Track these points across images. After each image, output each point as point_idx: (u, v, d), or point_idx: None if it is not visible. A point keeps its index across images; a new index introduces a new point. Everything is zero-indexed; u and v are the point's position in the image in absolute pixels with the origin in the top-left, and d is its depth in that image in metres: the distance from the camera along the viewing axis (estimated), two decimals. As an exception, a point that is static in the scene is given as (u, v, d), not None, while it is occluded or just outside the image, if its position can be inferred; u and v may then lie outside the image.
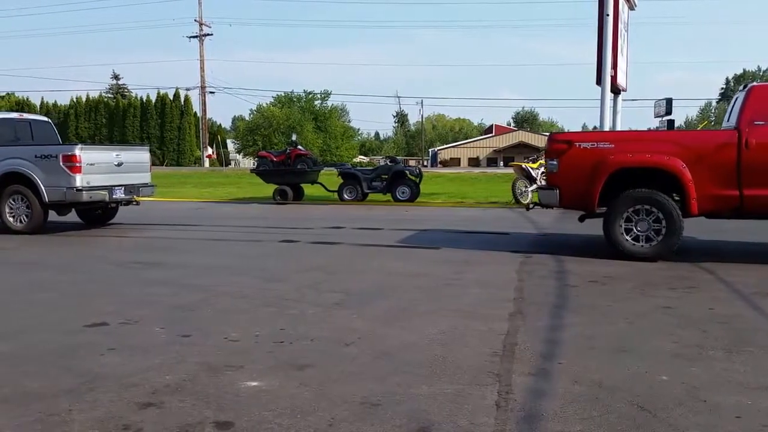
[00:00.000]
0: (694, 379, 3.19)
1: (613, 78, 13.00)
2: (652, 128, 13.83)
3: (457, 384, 3.12)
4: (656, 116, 12.53)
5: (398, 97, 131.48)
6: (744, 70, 79.29)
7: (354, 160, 57.65)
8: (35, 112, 41.35)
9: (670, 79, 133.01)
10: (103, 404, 2.89)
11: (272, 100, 59.72)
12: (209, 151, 52.52)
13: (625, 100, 15.53)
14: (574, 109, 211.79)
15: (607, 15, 12.58)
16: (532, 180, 14.03)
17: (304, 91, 59.98)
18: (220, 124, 75.77)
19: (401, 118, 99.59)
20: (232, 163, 64.16)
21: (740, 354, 3.59)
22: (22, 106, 55.54)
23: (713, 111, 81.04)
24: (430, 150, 74.18)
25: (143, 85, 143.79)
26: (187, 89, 58.24)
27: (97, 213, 10.77)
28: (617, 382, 3.14)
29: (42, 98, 61.62)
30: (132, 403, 2.91)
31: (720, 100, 76.37)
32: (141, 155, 10.71)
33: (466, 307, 4.74)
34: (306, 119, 56.04)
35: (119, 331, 4.17)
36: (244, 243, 8.71)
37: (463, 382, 3.16)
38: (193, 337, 3.98)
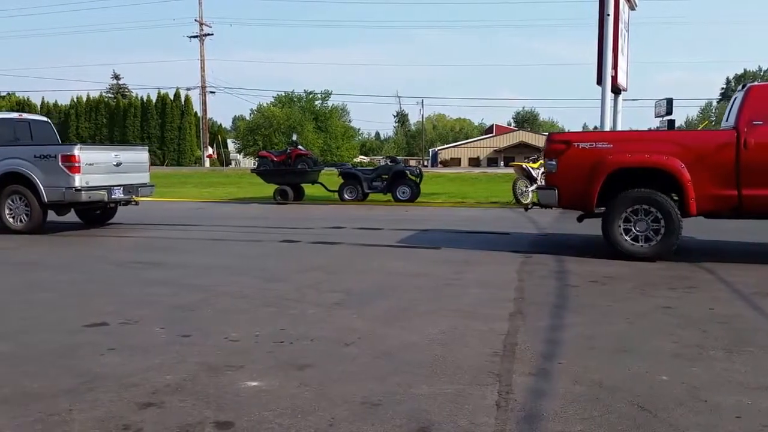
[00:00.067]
0: (695, 379, 3.19)
1: (614, 78, 13.01)
2: (652, 128, 13.83)
3: (457, 384, 3.12)
4: (657, 116, 12.54)
5: (399, 96, 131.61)
6: (745, 69, 79.33)
7: (354, 160, 57.64)
8: (36, 112, 41.39)
9: (671, 79, 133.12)
10: (103, 404, 2.89)
11: (273, 100, 59.79)
12: (210, 151, 52.54)
13: (625, 100, 15.56)
14: (575, 109, 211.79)
15: (608, 15, 12.58)
16: (532, 180, 14.02)
17: (305, 91, 60.07)
18: (221, 124, 75.89)
19: (402, 118, 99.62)
20: (233, 163, 64.18)
21: (740, 354, 3.59)
22: (23, 106, 55.56)
23: (714, 111, 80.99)
24: (430, 150, 74.20)
25: (144, 85, 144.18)
26: (188, 89, 58.37)
27: (96, 213, 10.77)
28: (617, 382, 3.14)
29: (43, 98, 61.74)
30: (132, 403, 2.91)
31: (720, 100, 76.32)
32: (140, 155, 10.71)
33: (467, 307, 4.74)
34: (306, 119, 56.04)
35: (119, 331, 4.17)
36: (244, 243, 8.71)
37: (464, 382, 3.15)
38: (194, 337, 3.98)
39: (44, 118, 11.50)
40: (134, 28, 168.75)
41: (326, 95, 60.89)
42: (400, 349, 3.70)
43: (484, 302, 4.93)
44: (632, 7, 14.65)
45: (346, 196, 15.99)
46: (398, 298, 5.08)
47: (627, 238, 6.74)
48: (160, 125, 58.62)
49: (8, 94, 58.93)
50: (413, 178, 15.93)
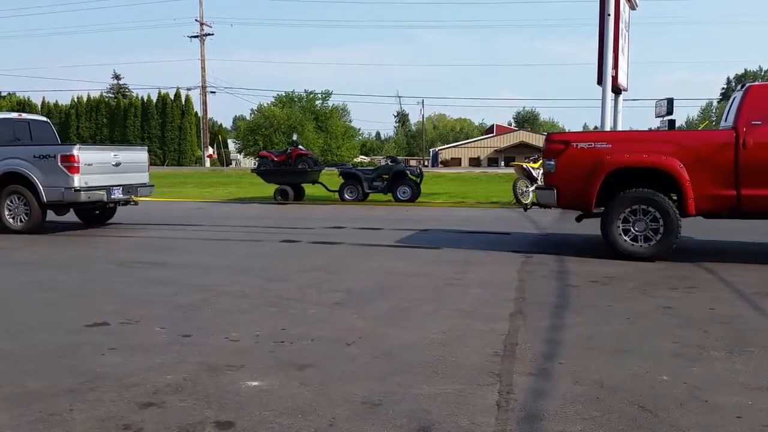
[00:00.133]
0: (695, 379, 3.19)
1: (614, 78, 13.01)
2: (653, 128, 13.82)
3: (457, 384, 3.12)
4: (657, 116, 12.53)
5: (399, 96, 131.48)
6: (745, 69, 79.28)
7: (355, 160, 57.62)
8: (36, 112, 41.43)
9: (672, 79, 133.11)
10: (104, 404, 2.89)
11: (273, 100, 59.74)
12: (210, 151, 52.56)
13: (626, 100, 15.55)
14: (575, 109, 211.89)
15: (608, 15, 12.58)
16: (533, 180, 14.01)
17: (305, 91, 60.00)
18: (221, 124, 75.86)
19: (402, 117, 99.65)
20: (233, 163, 64.21)
21: (741, 354, 3.59)
22: (24, 106, 55.55)
23: (714, 111, 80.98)
24: (431, 150, 74.19)
25: (144, 85, 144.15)
26: (188, 89, 58.24)
27: (96, 213, 10.78)
28: (618, 382, 3.14)
29: (43, 98, 61.66)
30: (133, 402, 2.91)
31: (721, 99, 76.28)
32: (139, 155, 10.72)
33: (467, 307, 4.74)
34: (307, 119, 56.01)
35: (120, 330, 4.17)
36: (244, 243, 8.71)
37: (464, 381, 3.16)
38: (194, 337, 3.99)
39: (43, 118, 11.51)
40: (134, 28, 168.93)
41: (327, 95, 60.92)
42: (401, 349, 3.70)
43: (485, 302, 4.93)
44: (633, 7, 14.65)
45: (346, 196, 15.99)
46: (399, 298, 5.08)
47: (626, 238, 6.74)
48: (160, 125, 58.59)
49: (9, 94, 58.93)
50: (414, 178, 15.93)
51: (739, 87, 7.21)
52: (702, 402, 2.89)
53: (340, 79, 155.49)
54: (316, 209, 14.31)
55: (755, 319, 4.46)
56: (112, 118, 59.34)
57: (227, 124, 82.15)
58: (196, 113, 59.11)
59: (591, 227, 7.63)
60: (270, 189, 16.66)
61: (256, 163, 18.94)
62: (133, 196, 10.30)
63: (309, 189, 17.17)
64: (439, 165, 59.22)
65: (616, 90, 13.62)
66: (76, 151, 9.34)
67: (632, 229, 6.72)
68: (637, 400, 2.91)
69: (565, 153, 6.93)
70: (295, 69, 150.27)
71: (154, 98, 59.38)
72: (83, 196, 9.34)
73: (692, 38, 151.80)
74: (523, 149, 53.98)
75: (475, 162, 62.18)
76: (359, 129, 72.70)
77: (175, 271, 6.47)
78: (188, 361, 3.49)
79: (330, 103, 61.49)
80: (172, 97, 59.21)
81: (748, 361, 3.47)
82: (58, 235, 9.59)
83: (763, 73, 76.08)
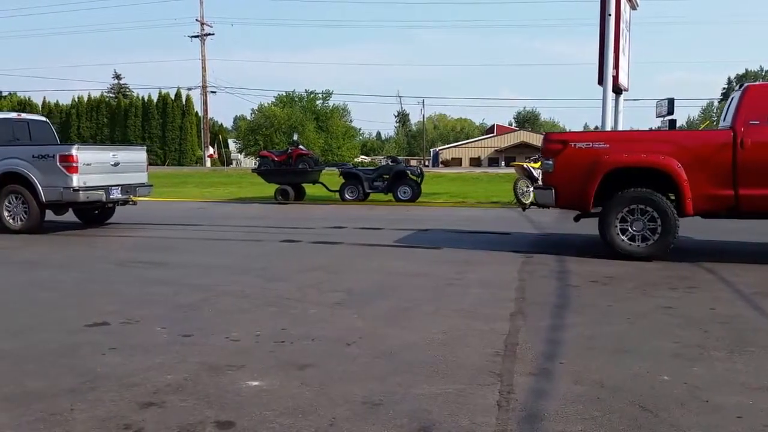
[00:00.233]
0: (696, 379, 3.19)
1: (615, 78, 13.00)
2: (653, 128, 13.82)
3: (458, 384, 3.12)
4: (658, 116, 12.55)
5: (400, 96, 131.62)
6: (746, 69, 79.16)
7: (355, 159, 57.63)
8: (37, 112, 41.38)
9: (672, 78, 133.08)
10: (105, 404, 2.89)
11: (274, 100, 59.75)
12: (211, 150, 52.54)
13: (627, 99, 15.53)
14: (576, 109, 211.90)
15: (609, 15, 12.57)
16: (533, 180, 13.99)
17: (306, 91, 60.03)
18: (222, 124, 75.86)
19: (403, 117, 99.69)
20: (234, 162, 64.22)
21: (742, 354, 3.59)
22: (24, 106, 55.59)
23: (715, 111, 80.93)
24: (431, 150, 74.19)
25: (145, 85, 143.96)
26: (189, 89, 58.28)
27: (95, 213, 10.79)
28: (618, 382, 3.13)
29: (44, 98, 61.72)
30: (133, 402, 2.91)
31: (722, 100, 76.17)
32: (138, 155, 10.73)
33: (468, 307, 4.74)
34: (307, 119, 56.03)
35: (120, 330, 4.17)
36: (245, 243, 8.71)
37: (465, 381, 3.15)
38: (194, 337, 3.99)
39: (43, 118, 11.52)
40: (135, 28, 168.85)
41: (327, 95, 60.95)
42: (401, 349, 3.70)
43: (485, 302, 4.93)
44: (633, 7, 14.64)
45: (347, 196, 15.99)
46: (399, 297, 5.08)
47: (623, 237, 6.75)
48: (161, 125, 58.62)
49: (10, 93, 58.96)
50: (414, 178, 15.93)
51: (737, 87, 7.21)
52: (702, 402, 2.89)
53: (341, 79, 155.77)
54: (317, 209, 14.31)
55: (756, 319, 4.46)
56: (113, 118, 59.36)
57: (228, 124, 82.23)
58: (197, 113, 59.14)
59: (591, 227, 7.62)
60: (270, 189, 16.66)
61: (257, 163, 18.95)
62: (131, 196, 10.30)
63: (309, 189, 17.17)
64: (440, 165, 59.23)
65: (617, 90, 13.61)
66: (74, 151, 9.35)
67: (630, 229, 6.73)
68: (638, 400, 2.91)
69: (564, 153, 6.94)
70: (295, 69, 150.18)
71: (155, 98, 59.44)
72: (82, 196, 9.34)
73: (693, 38, 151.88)
74: (524, 149, 53.97)
75: (475, 162, 62.18)
76: (360, 129, 72.80)
77: (175, 270, 6.47)
78: (189, 361, 3.49)
79: (330, 103, 61.60)
80: (172, 97, 59.25)
81: (749, 361, 3.46)
82: (58, 234, 9.60)
83: (764, 73, 76.04)
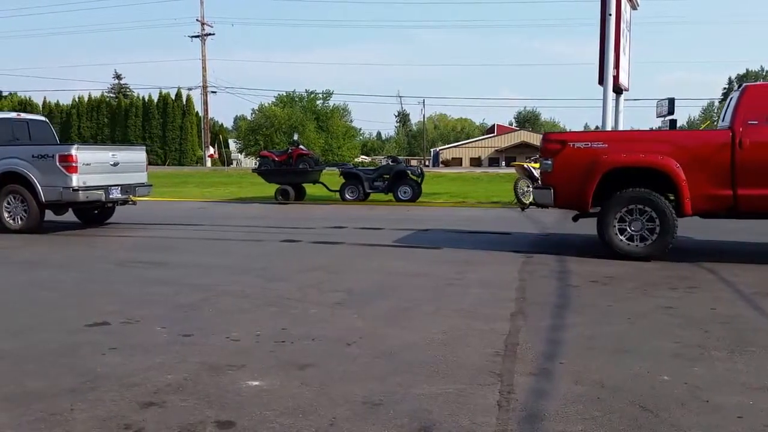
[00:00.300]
0: (696, 379, 3.19)
1: (615, 78, 12.98)
2: (654, 128, 13.82)
3: (458, 384, 3.12)
4: (658, 116, 12.54)
5: (400, 96, 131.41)
6: (747, 69, 79.15)
7: (356, 159, 57.62)
8: (38, 112, 41.42)
9: (673, 78, 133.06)
10: (105, 403, 2.89)
11: (274, 100, 59.73)
12: (211, 150, 52.55)
13: (627, 99, 15.52)
14: (577, 109, 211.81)
15: (610, 14, 12.56)
16: (534, 180, 13.98)
17: (306, 91, 59.95)
18: (222, 124, 75.86)
19: (403, 117, 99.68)
20: (234, 162, 64.21)
21: (742, 354, 3.59)
22: (25, 106, 55.58)
23: (716, 111, 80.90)
24: (431, 150, 74.18)
25: (145, 85, 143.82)
26: (189, 89, 58.25)
27: (94, 213, 10.80)
28: (619, 382, 3.13)
29: (44, 98, 61.72)
30: (133, 402, 2.91)
31: (722, 99, 76.17)
32: (137, 155, 10.73)
33: (468, 307, 4.74)
34: (308, 119, 56.00)
35: (120, 330, 4.17)
36: (245, 243, 8.72)
37: (465, 381, 3.15)
38: (195, 337, 3.99)
39: (42, 118, 11.52)
40: (135, 28, 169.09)
41: (327, 95, 60.89)
42: (402, 349, 3.70)
43: (486, 302, 4.92)
44: (634, 7, 14.63)
45: (347, 196, 15.99)
46: (399, 297, 5.08)
47: (622, 237, 6.75)
48: (161, 125, 58.61)
49: (10, 93, 58.97)
50: (414, 177, 15.93)
51: (736, 87, 7.21)
52: (703, 402, 2.89)
53: (341, 79, 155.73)
54: (317, 209, 14.31)
55: (756, 319, 4.45)
56: (113, 117, 59.35)
57: (228, 123, 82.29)
58: (197, 113, 59.13)
59: (592, 227, 7.61)
60: (271, 189, 16.66)
61: (257, 163, 18.94)
62: (131, 196, 10.31)
63: (310, 189, 17.17)
64: (440, 165, 59.21)
65: (618, 90, 13.60)
66: (74, 150, 9.36)
67: (628, 229, 6.73)
68: (638, 400, 2.91)
69: (562, 152, 6.94)
70: (296, 69, 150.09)
71: (155, 98, 59.41)
72: (81, 196, 9.35)
73: (694, 38, 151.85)
74: (524, 149, 53.97)
75: (476, 162, 62.17)
76: (360, 129, 72.85)
77: (175, 270, 6.47)
78: (189, 361, 3.49)
79: (331, 103, 61.54)
80: (173, 97, 59.24)
81: (750, 361, 3.46)
82: (57, 234, 9.60)
83: (764, 73, 76.01)
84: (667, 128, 11.30)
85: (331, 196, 16.50)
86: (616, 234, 6.76)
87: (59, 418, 2.74)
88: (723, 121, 7.39)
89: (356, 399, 2.93)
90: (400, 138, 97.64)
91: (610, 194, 6.78)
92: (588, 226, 7.71)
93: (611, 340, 3.89)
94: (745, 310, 4.69)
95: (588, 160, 6.78)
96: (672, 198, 6.72)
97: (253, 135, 56.02)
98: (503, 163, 54.88)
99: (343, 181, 16.22)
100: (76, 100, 60.24)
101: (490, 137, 69.64)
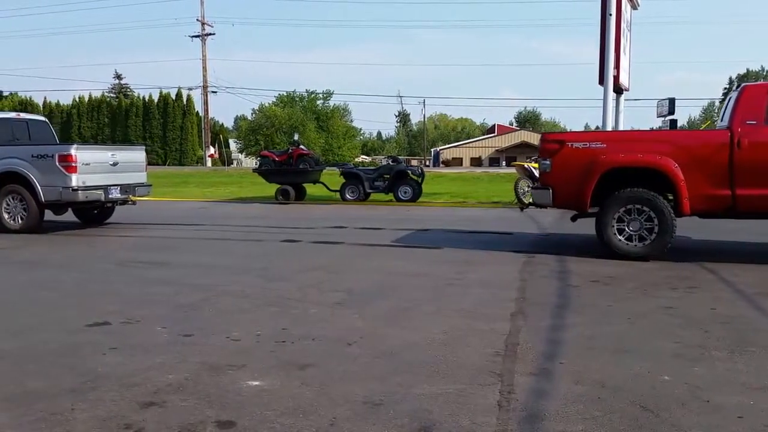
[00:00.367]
0: (697, 379, 3.18)
1: (616, 78, 12.97)
2: (654, 128, 13.81)
3: (458, 384, 3.12)
4: (659, 116, 12.52)
5: (400, 96, 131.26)
6: (747, 69, 79.03)
7: (356, 159, 57.62)
8: (38, 112, 41.40)
9: (674, 78, 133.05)
10: (105, 403, 2.89)
11: (274, 100, 59.73)
12: (211, 150, 52.56)
13: (627, 99, 15.51)
14: (577, 109, 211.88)
15: (610, 14, 12.55)
16: (534, 180, 13.98)
17: (307, 91, 59.95)
18: (223, 124, 75.84)
19: (403, 117, 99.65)
20: (235, 162, 64.22)
21: (743, 354, 3.58)
22: (26, 106, 55.57)
23: (716, 111, 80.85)
24: (432, 150, 74.18)
25: (146, 85, 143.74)
26: (190, 89, 58.17)
27: (94, 212, 10.80)
28: (619, 382, 3.13)
29: (45, 98, 61.71)
30: (134, 402, 2.91)
31: (723, 99, 76.13)
32: (136, 155, 10.74)
33: (468, 307, 4.74)
34: (308, 119, 56.00)
35: (121, 330, 4.17)
36: (245, 243, 8.72)
37: (465, 381, 3.15)
38: (195, 337, 3.99)
39: (42, 118, 11.53)
40: (136, 28, 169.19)
41: (328, 95, 60.88)
42: (402, 349, 3.70)
43: (486, 302, 4.92)
44: (634, 7, 14.62)
45: (347, 196, 15.99)
46: (399, 297, 5.08)
47: (621, 237, 6.75)
48: (162, 125, 58.58)
49: (11, 93, 58.97)
50: (415, 177, 15.94)
51: (735, 87, 7.21)
52: (703, 402, 2.89)
53: (342, 79, 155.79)
54: (318, 209, 14.31)
55: (757, 320, 4.45)
56: (114, 117, 59.34)
57: (229, 123, 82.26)
58: (198, 113, 59.10)
59: (592, 227, 7.61)
60: (271, 189, 16.67)
61: (258, 163, 18.95)
62: (130, 196, 10.32)
63: (310, 189, 17.17)
64: (441, 165, 59.20)
65: (618, 90, 13.59)
66: (73, 150, 9.36)
67: (627, 229, 6.73)
68: (639, 400, 2.90)
69: (561, 153, 6.94)
70: (296, 69, 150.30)
71: (156, 98, 59.37)
72: (81, 196, 9.35)
73: (694, 38, 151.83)
74: (525, 149, 53.99)
75: (476, 162, 62.17)
76: (360, 129, 72.88)
77: (176, 270, 6.48)
78: (189, 361, 3.49)
79: (331, 102, 61.54)
80: (173, 97, 59.21)
81: (750, 361, 3.46)
82: (57, 234, 9.61)
83: (765, 73, 75.93)
84: (668, 128, 11.29)
85: (332, 196, 16.50)
86: (615, 234, 6.76)
87: (60, 418, 2.74)
88: (722, 121, 7.39)
89: (357, 399, 2.93)
90: (400, 138, 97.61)
91: (608, 194, 6.78)
92: (588, 226, 7.71)
93: (612, 340, 3.89)
94: (746, 310, 4.69)
95: (586, 160, 6.78)
96: (670, 198, 6.72)
97: (254, 135, 56.02)
98: (504, 163, 54.88)
99: (344, 181, 16.22)
100: (77, 100, 60.23)
101: (491, 137, 69.64)
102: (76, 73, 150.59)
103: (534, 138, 59.27)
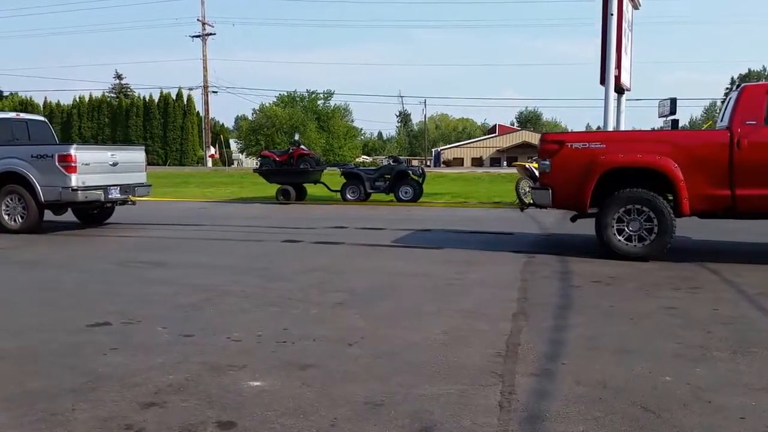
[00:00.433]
0: (699, 380, 3.18)
1: (617, 78, 12.96)
2: (656, 128, 13.80)
3: (460, 384, 3.12)
4: (660, 116, 12.52)
5: (401, 96, 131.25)
6: (749, 69, 78.96)
7: (357, 159, 57.62)
8: (39, 112, 41.41)
9: (675, 78, 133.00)
10: (106, 404, 2.89)
11: (275, 100, 59.75)
12: (212, 150, 52.54)
13: (629, 99, 15.51)
14: (578, 109, 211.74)
15: (611, 14, 12.54)
16: (535, 180, 13.97)
17: (307, 91, 59.98)
18: (223, 124, 75.89)
19: (404, 117, 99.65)
20: (235, 162, 64.18)
21: (745, 355, 3.58)
22: (26, 106, 55.59)
23: (718, 111, 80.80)
24: (433, 150, 74.19)
25: (146, 85, 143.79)
26: (190, 89, 58.26)
27: (94, 213, 10.80)
28: (621, 383, 3.12)
29: (45, 98, 61.76)
30: (135, 402, 2.90)
31: (724, 100, 76.06)
32: (136, 155, 10.75)
33: (469, 307, 4.73)
34: (309, 119, 56.01)
35: (122, 330, 4.17)
36: (246, 243, 8.71)
37: (466, 382, 3.15)
38: (196, 337, 3.98)
39: (42, 118, 11.53)
40: (136, 28, 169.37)
41: (328, 95, 60.90)
42: (403, 349, 3.69)
43: (487, 302, 4.92)
44: (636, 7, 14.61)
45: (348, 196, 15.99)
46: (400, 298, 5.08)
47: (620, 237, 6.75)
48: (162, 125, 58.64)
49: (11, 93, 59.01)
50: (416, 178, 15.93)
51: (734, 87, 7.21)
52: (705, 403, 2.88)
53: (342, 79, 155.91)
54: (318, 209, 14.30)
55: (759, 320, 4.44)
56: (114, 117, 59.40)
57: (229, 123, 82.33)
58: (198, 113, 59.16)
59: (593, 228, 7.61)
60: (272, 189, 16.67)
61: (258, 163, 18.95)
62: (130, 196, 10.32)
63: (311, 189, 17.17)
64: (442, 165, 59.21)
65: (619, 90, 13.58)
66: (73, 150, 9.36)
67: (626, 229, 6.73)
68: (640, 400, 2.90)
69: (560, 153, 6.94)
70: (297, 69, 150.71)
71: (156, 98, 59.45)
72: (80, 196, 9.35)
73: (696, 38, 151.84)
74: (526, 149, 54.00)
75: (477, 162, 62.20)
76: (361, 129, 72.83)
77: (176, 270, 6.47)
78: (190, 361, 3.49)
79: (332, 103, 61.56)
80: (174, 97, 59.29)
81: (752, 362, 3.45)
82: (57, 234, 9.60)
83: (767, 73, 75.90)
84: (669, 128, 11.28)
85: (332, 196, 16.50)
86: (615, 234, 6.75)
87: (60, 418, 2.74)
88: (721, 121, 7.39)
89: (357, 399, 2.93)
90: (401, 138, 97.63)
91: (608, 195, 6.77)
92: (589, 227, 7.69)
93: (613, 340, 3.89)
94: (748, 311, 4.69)
95: (586, 160, 6.78)
96: (670, 198, 6.72)
97: (254, 135, 56.03)
98: (505, 163, 54.89)
99: (344, 181, 16.22)
100: (77, 100, 60.33)
101: (492, 137, 69.69)
102: (76, 73, 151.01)
103: (535, 138, 59.09)
